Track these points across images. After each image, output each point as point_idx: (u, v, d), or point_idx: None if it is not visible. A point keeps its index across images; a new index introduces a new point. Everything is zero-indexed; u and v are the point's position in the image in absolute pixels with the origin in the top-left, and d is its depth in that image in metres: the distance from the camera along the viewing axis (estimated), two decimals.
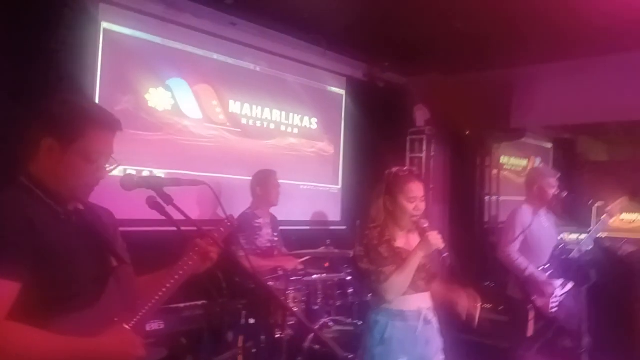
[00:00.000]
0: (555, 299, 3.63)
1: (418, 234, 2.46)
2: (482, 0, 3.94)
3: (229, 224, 1.73)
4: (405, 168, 2.57)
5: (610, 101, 5.10)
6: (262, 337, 2.95)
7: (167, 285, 1.51)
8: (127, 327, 1.42)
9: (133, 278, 1.56)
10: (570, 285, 3.67)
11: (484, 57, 5.24)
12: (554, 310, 3.61)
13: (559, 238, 3.88)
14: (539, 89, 5.46)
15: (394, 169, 2.52)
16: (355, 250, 2.47)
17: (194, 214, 1.82)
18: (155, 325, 2.38)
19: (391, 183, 2.47)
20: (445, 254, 2.38)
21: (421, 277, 2.41)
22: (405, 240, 2.48)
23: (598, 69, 5.11)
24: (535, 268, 3.63)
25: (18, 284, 1.29)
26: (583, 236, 3.78)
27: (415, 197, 2.43)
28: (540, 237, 3.73)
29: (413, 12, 4.23)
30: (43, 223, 1.37)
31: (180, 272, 1.55)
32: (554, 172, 3.92)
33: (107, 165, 1.52)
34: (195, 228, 1.65)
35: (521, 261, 3.64)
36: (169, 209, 1.61)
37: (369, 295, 2.58)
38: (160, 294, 1.49)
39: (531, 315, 3.64)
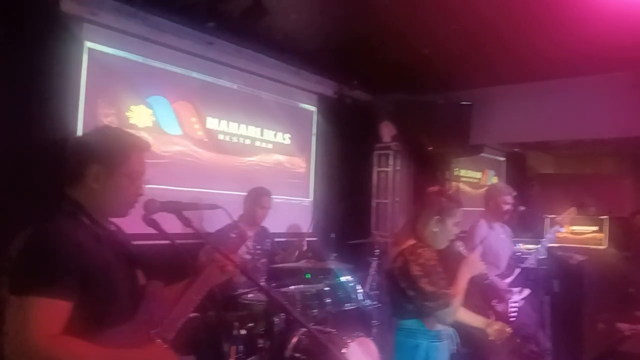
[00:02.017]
0: (514, 305, 3.96)
1: (452, 254, 2.59)
2: (444, 29, 4.26)
3: (239, 240, 1.91)
4: (454, 194, 2.72)
5: (558, 121, 5.55)
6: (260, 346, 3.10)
7: (194, 299, 1.69)
8: (162, 342, 1.57)
9: (163, 293, 1.71)
10: (526, 292, 4.00)
11: (446, 79, 5.58)
12: (513, 314, 3.94)
13: (515, 248, 4.21)
14: (496, 109, 5.86)
15: (447, 192, 2.66)
16: (412, 270, 2.42)
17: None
18: None
19: (443, 208, 2.54)
20: (486, 275, 2.55)
21: None
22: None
23: (548, 92, 5.56)
24: (494, 276, 3.96)
25: (70, 303, 1.43)
26: (537, 245, 4.12)
27: (459, 222, 2.57)
28: (497, 248, 4.06)
29: (381, 36, 4.49)
30: (88, 247, 1.51)
31: (204, 286, 1.72)
32: (510, 189, 4.27)
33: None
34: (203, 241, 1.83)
35: None
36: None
37: (414, 318, 2.54)
38: (189, 309, 1.67)
39: (491, 319, 3.96)
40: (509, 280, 3.96)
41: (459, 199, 2.65)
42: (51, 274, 1.42)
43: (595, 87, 5.27)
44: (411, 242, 2.53)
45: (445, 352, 2.52)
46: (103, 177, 1.59)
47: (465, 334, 4.37)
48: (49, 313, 1.39)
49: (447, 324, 2.48)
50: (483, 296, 3.98)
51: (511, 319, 3.91)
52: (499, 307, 3.93)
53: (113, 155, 1.61)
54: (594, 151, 8.74)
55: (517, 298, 3.97)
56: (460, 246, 2.57)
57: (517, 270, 3.97)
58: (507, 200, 4.11)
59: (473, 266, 2.52)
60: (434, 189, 2.69)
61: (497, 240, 4.07)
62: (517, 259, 4.06)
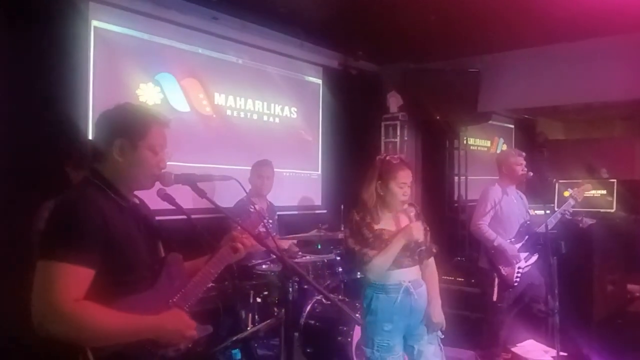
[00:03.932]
0: (519, 270, 4.02)
1: (407, 218, 2.67)
2: None
3: (257, 215, 1.98)
4: (396, 156, 2.76)
5: (567, 85, 5.50)
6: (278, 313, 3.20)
7: (213, 271, 1.78)
8: (182, 309, 1.64)
9: (182, 264, 1.77)
10: (534, 258, 4.05)
11: (452, 46, 5.53)
12: (517, 280, 4.00)
13: (528, 216, 4.23)
14: (503, 75, 5.81)
15: (387, 157, 2.71)
16: (344, 232, 2.70)
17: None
18: None
19: (383, 170, 2.65)
20: (421, 248, 2.62)
21: (406, 255, 2.61)
22: (392, 221, 2.68)
23: (556, 56, 5.50)
24: (503, 241, 4.00)
25: (93, 270, 1.50)
26: (548, 212, 4.14)
27: (405, 184, 2.63)
28: (509, 213, 4.09)
29: (385, 4, 4.44)
30: (112, 217, 1.57)
31: (223, 262, 1.80)
32: (520, 152, 4.30)
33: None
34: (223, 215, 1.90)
35: (490, 233, 4.02)
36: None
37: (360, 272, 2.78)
38: (208, 280, 1.76)
39: (495, 282, 4.05)
40: (518, 245, 4.01)
41: (402, 162, 2.70)
42: (77, 241, 1.48)
43: (603, 49, 5.20)
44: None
45: (391, 303, 2.59)
46: (127, 150, 1.65)
47: (473, 296, 4.47)
48: (72, 278, 1.46)
49: (371, 279, 2.60)
50: (490, 260, 4.06)
51: (515, 283, 3.98)
52: (505, 271, 4.00)
53: (135, 129, 1.66)
54: (604, 115, 8.67)
55: (524, 264, 4.03)
56: (411, 211, 2.65)
57: (527, 237, 4.00)
58: (519, 161, 4.12)
59: (409, 233, 2.58)
60: (379, 157, 2.79)
61: (509, 206, 4.10)
62: (527, 227, 4.09)
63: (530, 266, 4.04)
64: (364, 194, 2.68)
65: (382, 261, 2.55)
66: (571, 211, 4.05)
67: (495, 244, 3.98)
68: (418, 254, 2.68)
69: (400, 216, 2.72)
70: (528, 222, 4.10)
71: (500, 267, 4.00)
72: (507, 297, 4.05)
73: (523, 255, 4.01)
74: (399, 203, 2.66)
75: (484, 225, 4.05)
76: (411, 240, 2.58)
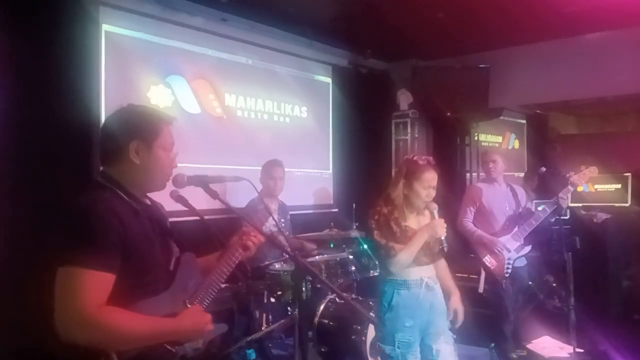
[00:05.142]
0: (509, 262, 4.02)
1: (430, 215, 2.69)
2: None
3: (264, 212, 1.99)
4: (423, 157, 2.74)
5: (579, 79, 5.45)
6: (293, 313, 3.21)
7: (224, 270, 1.79)
8: (199, 307, 1.66)
9: (196, 263, 1.79)
10: (527, 249, 4.03)
11: (462, 42, 5.49)
12: (508, 270, 4.00)
13: (517, 207, 4.22)
14: (514, 70, 5.76)
15: (414, 157, 2.73)
16: (369, 224, 2.67)
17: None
18: None
19: (410, 170, 2.68)
20: (444, 245, 2.63)
21: (425, 253, 2.64)
22: (415, 220, 2.71)
23: (567, 50, 5.44)
24: (480, 231, 4.10)
25: (114, 275, 1.50)
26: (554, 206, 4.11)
27: (430, 186, 2.65)
28: (491, 207, 4.19)
29: (393, 1, 4.44)
30: (127, 220, 1.57)
31: (234, 259, 1.81)
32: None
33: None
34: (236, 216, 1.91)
35: (470, 226, 4.17)
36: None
37: (379, 268, 2.80)
38: (220, 279, 1.77)
39: (482, 274, 4.08)
40: (505, 237, 4.01)
41: (429, 163, 2.70)
42: (97, 247, 1.48)
43: (616, 41, 5.14)
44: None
45: (413, 300, 2.61)
46: (142, 151, 1.65)
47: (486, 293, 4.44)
48: (95, 284, 1.46)
49: (393, 272, 2.62)
50: (475, 253, 4.10)
51: (506, 274, 4.00)
52: (491, 262, 4.01)
53: (148, 130, 1.67)
54: (617, 109, 8.56)
55: (515, 255, 4.02)
56: (434, 208, 2.66)
57: (516, 229, 4.01)
58: (492, 157, 4.29)
59: (433, 230, 2.61)
60: (407, 156, 2.85)
61: (491, 201, 4.20)
62: (516, 217, 4.10)
63: (525, 258, 4.05)
64: (391, 191, 2.71)
65: (406, 256, 2.58)
66: (568, 196, 4.01)
67: (475, 236, 4.11)
68: (435, 252, 2.69)
69: (420, 217, 2.75)
70: (522, 213, 4.12)
71: (485, 260, 4.04)
72: (504, 290, 4.03)
73: (513, 245, 4.01)
74: (423, 204, 2.68)
75: (465, 221, 4.22)
76: (434, 236, 2.61)
